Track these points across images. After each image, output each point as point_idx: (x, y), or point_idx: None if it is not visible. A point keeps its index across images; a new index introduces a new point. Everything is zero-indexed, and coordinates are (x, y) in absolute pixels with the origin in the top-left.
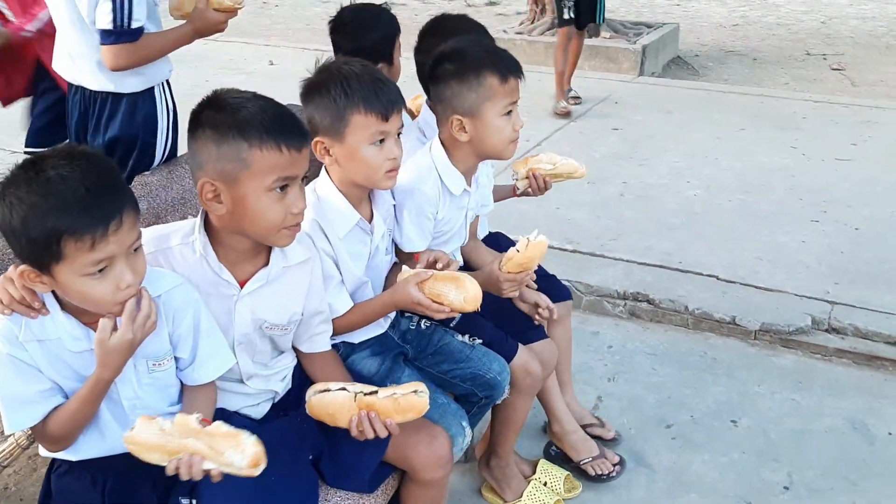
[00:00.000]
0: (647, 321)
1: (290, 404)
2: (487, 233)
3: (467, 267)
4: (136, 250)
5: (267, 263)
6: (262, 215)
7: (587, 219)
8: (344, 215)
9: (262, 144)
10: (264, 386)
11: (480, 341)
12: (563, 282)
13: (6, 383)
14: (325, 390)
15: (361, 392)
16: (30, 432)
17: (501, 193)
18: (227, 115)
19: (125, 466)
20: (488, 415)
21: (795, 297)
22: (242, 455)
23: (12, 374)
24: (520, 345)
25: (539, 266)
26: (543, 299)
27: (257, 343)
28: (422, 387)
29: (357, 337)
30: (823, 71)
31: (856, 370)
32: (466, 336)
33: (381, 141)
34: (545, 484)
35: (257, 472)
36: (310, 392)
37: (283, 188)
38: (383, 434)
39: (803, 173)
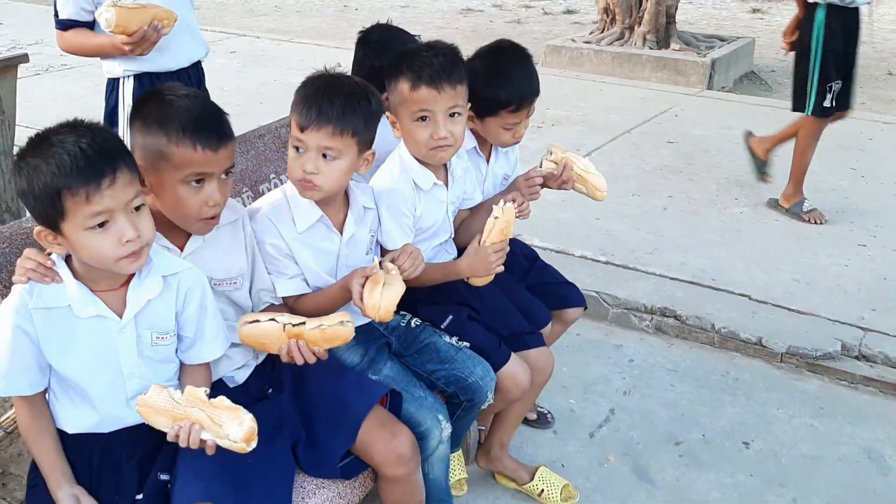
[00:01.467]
0: (673, 337)
1: (275, 377)
2: None
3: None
4: (137, 209)
5: None
6: (179, 203)
7: (626, 231)
8: (306, 211)
9: (179, 141)
10: None
11: (468, 345)
12: (591, 292)
13: (7, 349)
14: (255, 321)
15: (290, 323)
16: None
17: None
18: (156, 108)
19: (113, 442)
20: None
21: (828, 321)
22: (240, 428)
23: (14, 344)
24: (513, 354)
25: (555, 271)
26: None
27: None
28: (347, 317)
29: None
30: None
31: (881, 399)
32: (454, 338)
33: (298, 149)
34: (542, 492)
35: (249, 447)
36: (240, 322)
37: (199, 181)
38: (311, 360)
39: (858, 195)
